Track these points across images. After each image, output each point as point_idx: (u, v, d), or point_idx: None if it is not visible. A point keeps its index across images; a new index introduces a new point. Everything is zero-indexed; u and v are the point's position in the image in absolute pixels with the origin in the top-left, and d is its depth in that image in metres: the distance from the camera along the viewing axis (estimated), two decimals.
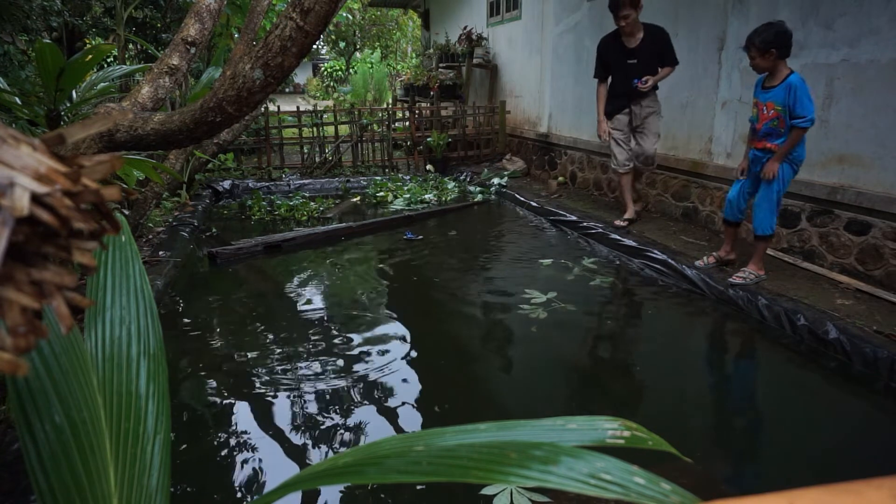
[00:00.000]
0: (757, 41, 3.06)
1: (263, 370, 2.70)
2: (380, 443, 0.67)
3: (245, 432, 2.23)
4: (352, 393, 2.51)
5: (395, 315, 3.42)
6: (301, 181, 6.95)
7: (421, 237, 4.97)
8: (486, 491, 1.83)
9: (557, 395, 2.60)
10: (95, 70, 3.28)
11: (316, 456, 2.09)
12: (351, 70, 17.20)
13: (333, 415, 2.34)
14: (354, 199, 6.39)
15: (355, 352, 2.91)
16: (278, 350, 2.90)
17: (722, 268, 3.65)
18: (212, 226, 5.39)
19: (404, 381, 2.63)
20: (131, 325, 0.88)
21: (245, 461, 2.07)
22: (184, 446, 2.14)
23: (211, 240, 4.91)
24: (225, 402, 2.45)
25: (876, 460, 2.13)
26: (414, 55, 16.31)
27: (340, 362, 2.79)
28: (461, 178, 7.36)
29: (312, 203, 5.97)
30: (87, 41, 7.52)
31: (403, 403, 2.45)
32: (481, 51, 8.59)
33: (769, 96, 3.13)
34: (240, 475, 2.00)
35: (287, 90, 21.43)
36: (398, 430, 2.28)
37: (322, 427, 2.26)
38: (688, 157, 4.86)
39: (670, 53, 4.39)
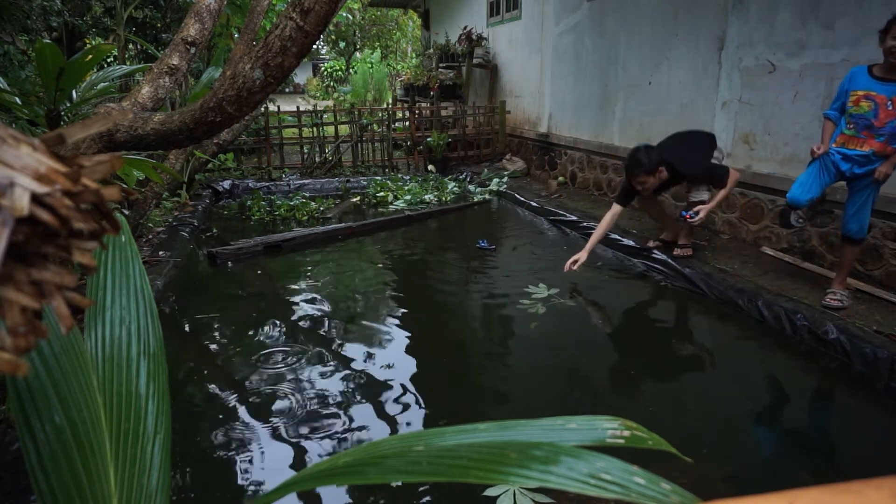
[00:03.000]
0: None
1: (263, 370, 2.70)
2: (380, 443, 0.67)
3: (245, 432, 2.23)
4: (352, 392, 2.51)
5: (395, 314, 3.42)
6: (301, 181, 6.95)
7: (494, 247, 4.62)
8: (489, 492, 1.83)
9: (557, 392, 2.59)
10: (95, 70, 3.28)
11: (316, 456, 2.09)
12: (351, 70, 17.20)
13: (333, 414, 2.34)
14: (354, 199, 6.39)
15: (355, 351, 2.91)
16: (278, 350, 2.90)
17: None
18: (212, 226, 5.39)
19: (404, 379, 2.63)
20: (131, 325, 0.88)
21: (245, 461, 2.07)
22: (184, 446, 2.14)
23: (211, 240, 4.90)
24: (225, 401, 2.45)
25: (876, 460, 2.13)
26: (414, 55, 16.31)
27: (340, 362, 2.79)
28: (461, 178, 7.36)
29: (312, 203, 5.97)
30: (87, 41, 7.52)
31: (403, 403, 2.45)
32: (481, 51, 8.59)
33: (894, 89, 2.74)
34: (240, 475, 2.00)
35: (287, 90, 21.43)
36: (398, 430, 2.28)
37: (322, 427, 2.26)
38: None
39: (710, 178, 3.73)
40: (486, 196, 6.53)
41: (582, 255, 3.72)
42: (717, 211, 4.54)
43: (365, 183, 7.01)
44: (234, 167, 7.40)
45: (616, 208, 3.89)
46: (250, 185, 6.72)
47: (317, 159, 7.49)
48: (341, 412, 2.37)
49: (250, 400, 2.46)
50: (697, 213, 3.65)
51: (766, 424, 2.39)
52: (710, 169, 3.71)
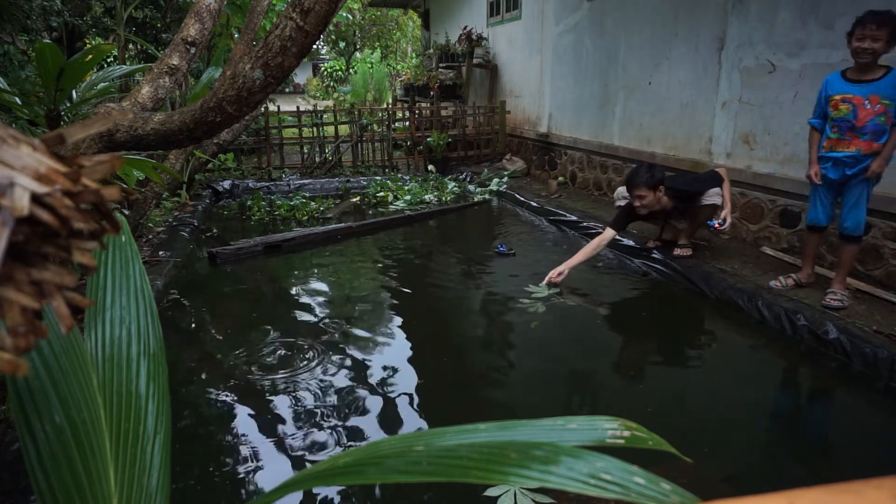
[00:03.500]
0: (882, 19, 2.71)
1: (263, 370, 2.70)
2: (380, 443, 0.67)
3: (245, 432, 2.23)
4: (352, 392, 2.51)
5: (395, 313, 3.42)
6: (301, 181, 6.95)
7: (514, 252, 4.42)
8: (490, 492, 1.83)
9: (557, 392, 2.59)
10: (95, 70, 3.28)
11: (316, 456, 2.09)
12: (351, 70, 17.20)
13: (333, 415, 2.34)
14: (354, 199, 6.39)
15: (355, 350, 2.91)
16: (278, 350, 2.90)
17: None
18: (212, 226, 5.39)
19: (404, 379, 2.63)
20: (131, 325, 0.88)
21: (245, 461, 2.07)
22: (184, 446, 2.14)
23: (211, 240, 4.90)
24: (225, 401, 2.45)
25: (876, 460, 2.13)
26: (414, 55, 16.31)
27: (340, 362, 2.79)
28: (461, 178, 7.36)
29: (312, 203, 5.97)
30: (87, 41, 7.52)
31: (404, 402, 2.45)
32: (481, 51, 8.59)
33: (871, 89, 2.83)
34: (240, 475, 2.00)
35: (287, 90, 21.43)
36: (398, 430, 2.28)
37: (322, 427, 2.26)
38: (688, 157, 4.86)
39: (710, 184, 3.76)
40: (486, 196, 6.53)
41: (563, 268, 3.65)
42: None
43: (365, 183, 7.01)
44: (234, 167, 7.40)
45: (608, 233, 3.79)
46: (250, 185, 6.72)
47: (317, 159, 7.49)
48: (341, 412, 2.37)
49: (250, 400, 2.46)
50: (725, 220, 3.64)
51: (766, 424, 2.39)
52: (705, 179, 3.80)
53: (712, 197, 3.71)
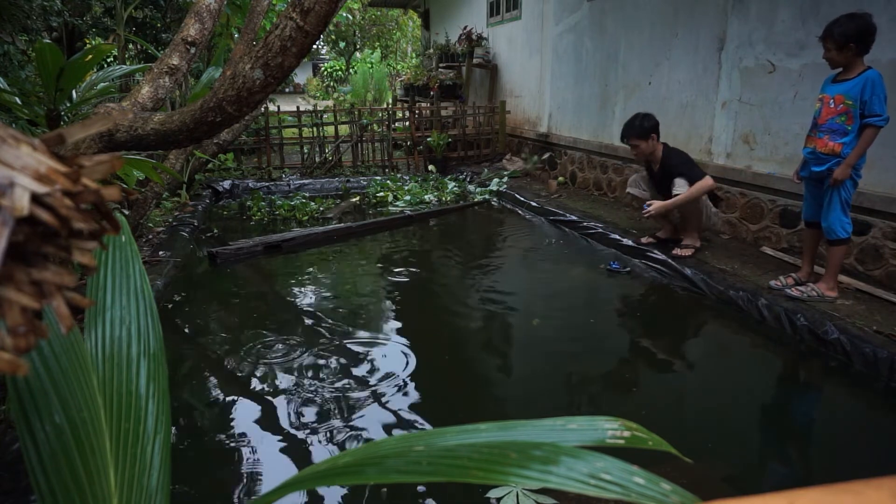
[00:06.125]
0: (836, 32, 2.78)
1: (263, 370, 2.70)
2: (380, 443, 0.67)
3: (245, 432, 2.23)
4: (352, 392, 2.51)
5: (394, 313, 3.42)
6: (301, 181, 6.95)
7: (629, 269, 4.04)
8: (493, 493, 1.83)
9: (557, 392, 2.59)
10: (95, 70, 3.28)
11: (316, 456, 2.09)
12: (351, 70, 17.21)
13: (333, 415, 2.34)
14: (354, 199, 6.39)
15: (355, 352, 2.91)
16: (278, 350, 2.90)
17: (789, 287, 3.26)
18: (212, 226, 5.39)
19: (404, 379, 2.63)
20: (131, 325, 0.88)
21: (245, 461, 2.07)
22: (184, 446, 2.14)
23: (211, 240, 4.90)
24: (225, 402, 2.45)
25: (876, 460, 2.13)
26: (414, 55, 16.33)
27: (340, 362, 2.79)
28: (461, 178, 7.36)
29: (312, 203, 5.97)
30: (87, 41, 7.51)
31: (404, 403, 2.44)
32: (481, 51, 8.59)
33: (839, 89, 2.87)
34: (240, 475, 2.00)
35: (287, 90, 21.41)
36: (398, 430, 2.28)
37: (322, 427, 2.26)
38: None
39: (688, 173, 3.81)
40: (486, 196, 6.53)
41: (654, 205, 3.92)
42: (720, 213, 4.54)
43: (365, 183, 7.01)
44: (234, 167, 7.40)
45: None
46: (250, 185, 6.72)
47: (317, 159, 7.49)
48: (341, 412, 2.36)
49: (250, 400, 2.46)
50: (650, 204, 3.84)
51: (766, 424, 2.39)
52: (692, 164, 3.91)
53: (679, 188, 3.80)
